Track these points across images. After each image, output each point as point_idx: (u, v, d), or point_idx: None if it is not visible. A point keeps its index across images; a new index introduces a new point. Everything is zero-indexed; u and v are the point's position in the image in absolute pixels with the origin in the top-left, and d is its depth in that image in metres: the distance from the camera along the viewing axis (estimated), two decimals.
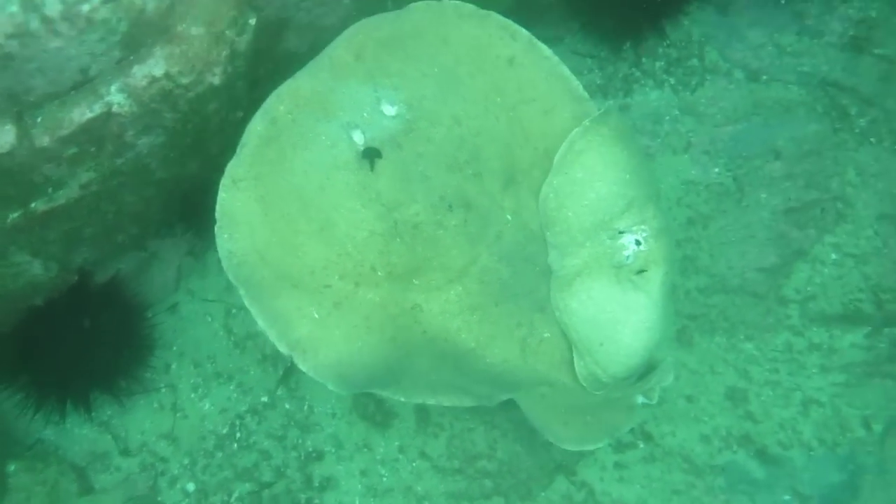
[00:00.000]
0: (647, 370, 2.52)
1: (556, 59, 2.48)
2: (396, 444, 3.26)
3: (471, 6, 2.43)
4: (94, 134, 2.22)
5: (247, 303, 2.23)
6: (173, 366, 3.20)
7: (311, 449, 3.23)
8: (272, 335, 2.23)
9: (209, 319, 3.26)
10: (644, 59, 3.77)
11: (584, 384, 2.45)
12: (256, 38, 2.41)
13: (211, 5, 2.23)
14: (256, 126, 2.23)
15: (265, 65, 2.61)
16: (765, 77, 3.82)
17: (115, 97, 2.18)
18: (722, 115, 3.76)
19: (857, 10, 3.76)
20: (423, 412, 3.28)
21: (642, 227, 2.39)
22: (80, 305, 2.76)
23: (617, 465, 3.41)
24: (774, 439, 3.50)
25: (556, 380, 2.50)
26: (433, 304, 2.29)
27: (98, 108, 2.17)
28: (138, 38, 2.16)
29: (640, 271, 2.37)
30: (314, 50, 2.74)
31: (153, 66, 2.21)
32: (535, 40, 2.46)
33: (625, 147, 2.42)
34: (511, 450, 3.27)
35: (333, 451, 3.23)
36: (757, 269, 3.61)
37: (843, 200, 3.74)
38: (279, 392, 3.26)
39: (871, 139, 3.80)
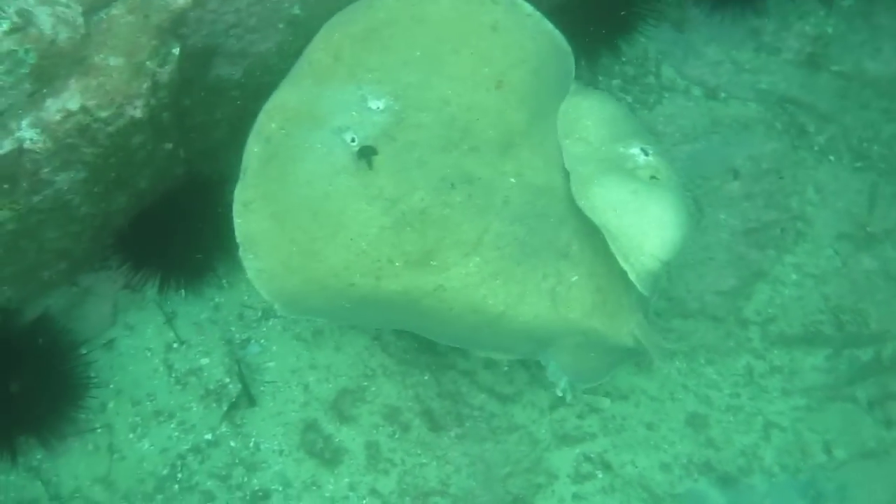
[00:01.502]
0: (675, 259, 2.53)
1: (538, 14, 2.51)
2: (346, 481, 3.14)
3: None
4: (6, 172, 2.09)
5: (282, 312, 2.42)
6: (110, 405, 3.06)
7: (256, 488, 3.10)
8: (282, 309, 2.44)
9: (148, 355, 3.13)
10: (600, 78, 3.69)
11: (638, 282, 2.38)
12: (181, 67, 2.29)
13: (130, 35, 2.11)
14: (253, 148, 2.29)
15: (195, 93, 2.50)
16: (723, 94, 3.76)
17: (27, 133, 2.05)
18: (680, 134, 3.70)
19: (813, 27, 3.72)
20: (373, 448, 3.17)
21: (648, 146, 2.49)
22: (4, 346, 2.62)
23: (575, 497, 3.31)
24: (735, 466, 3.42)
25: (589, 327, 2.51)
26: (454, 281, 2.33)
27: (8, 145, 2.05)
28: (50, 70, 2.04)
29: (652, 178, 2.44)
30: (249, 76, 2.64)
31: (68, 100, 2.08)
32: (517, 1, 2.47)
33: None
34: (465, 486, 3.17)
35: (280, 489, 3.11)
36: (715, 292, 3.54)
37: (802, 219, 3.69)
38: (224, 429, 3.12)
39: (830, 157, 3.76)
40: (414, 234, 2.28)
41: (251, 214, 2.29)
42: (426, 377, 3.26)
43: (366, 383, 3.22)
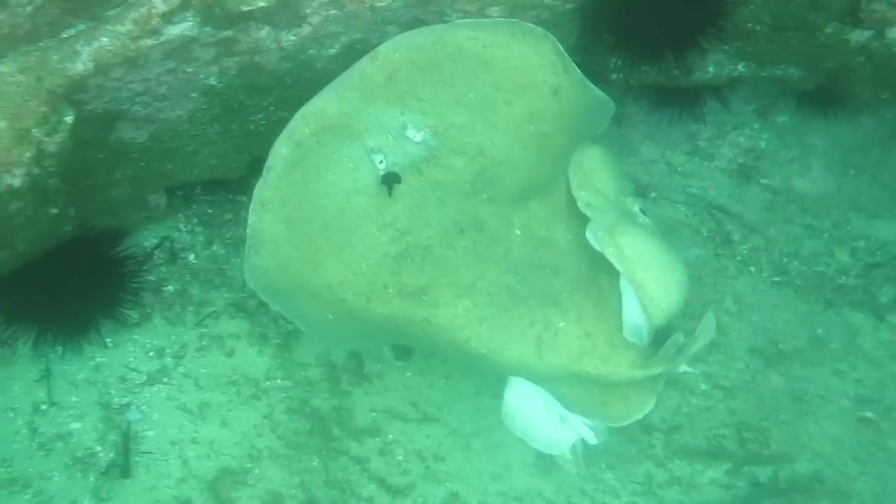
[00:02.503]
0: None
1: (605, 97, 2.49)
2: None
3: (530, 26, 2.35)
4: None
5: (268, 303, 2.52)
6: None
7: None
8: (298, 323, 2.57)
9: (11, 416, 2.86)
10: None
11: (648, 333, 2.45)
12: (78, 130, 2.09)
13: (17, 98, 1.90)
14: (281, 150, 2.24)
15: (93, 154, 2.29)
16: (653, 194, 3.71)
17: None
18: None
19: (747, 139, 3.71)
20: None
21: (642, 206, 2.62)
22: None
23: None
24: None
25: (579, 371, 2.51)
26: (441, 319, 2.38)
27: None
28: None
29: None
30: (155, 139, 2.45)
31: None
32: (586, 81, 2.44)
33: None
34: None
35: None
36: None
37: (718, 329, 3.64)
38: (86, 503, 2.87)
39: (752, 268, 3.74)
40: (413, 267, 2.32)
41: (266, 214, 2.28)
42: (315, 463, 3.08)
43: (250, 465, 3.02)
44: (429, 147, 2.28)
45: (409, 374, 3.31)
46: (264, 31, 2.22)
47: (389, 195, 2.25)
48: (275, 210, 2.27)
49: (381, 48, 2.25)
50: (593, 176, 2.58)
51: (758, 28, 2.72)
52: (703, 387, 3.59)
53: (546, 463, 3.37)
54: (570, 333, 2.50)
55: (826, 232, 3.81)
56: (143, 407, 2.99)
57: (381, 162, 2.24)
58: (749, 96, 3.66)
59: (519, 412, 2.70)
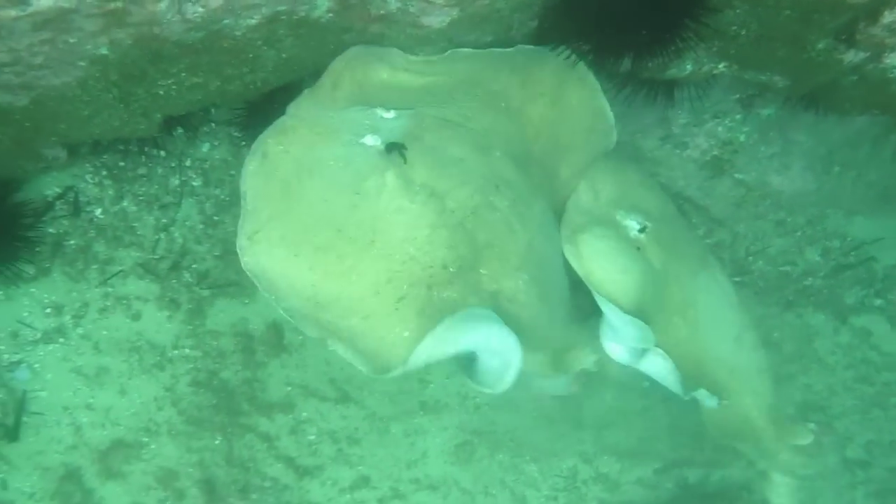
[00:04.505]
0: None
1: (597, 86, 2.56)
2: None
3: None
4: None
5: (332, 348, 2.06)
6: None
7: None
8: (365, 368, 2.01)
9: None
10: None
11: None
12: None
13: None
14: (249, 166, 2.05)
15: None
16: None
17: None
18: None
19: (726, 130, 3.41)
20: None
21: (648, 223, 2.52)
22: None
23: None
24: None
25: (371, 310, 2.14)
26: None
27: None
28: None
29: (638, 249, 2.51)
30: (38, 103, 2.20)
31: None
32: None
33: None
34: None
35: None
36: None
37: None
38: None
39: None
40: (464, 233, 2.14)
41: (256, 246, 2.02)
42: (217, 441, 2.92)
43: (146, 439, 2.86)
44: (410, 116, 2.15)
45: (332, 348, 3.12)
46: (163, 4, 1.90)
47: (405, 161, 2.06)
48: (264, 237, 2.02)
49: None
50: (599, 179, 2.56)
51: (743, 32, 2.42)
52: (645, 384, 3.44)
53: (466, 453, 3.25)
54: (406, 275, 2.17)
55: (799, 230, 3.59)
56: (36, 365, 2.80)
57: (375, 139, 2.07)
58: (734, 84, 3.35)
59: None
